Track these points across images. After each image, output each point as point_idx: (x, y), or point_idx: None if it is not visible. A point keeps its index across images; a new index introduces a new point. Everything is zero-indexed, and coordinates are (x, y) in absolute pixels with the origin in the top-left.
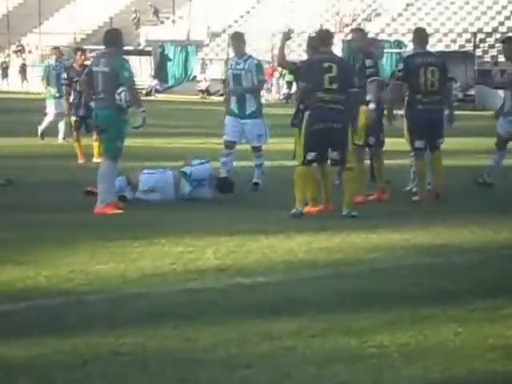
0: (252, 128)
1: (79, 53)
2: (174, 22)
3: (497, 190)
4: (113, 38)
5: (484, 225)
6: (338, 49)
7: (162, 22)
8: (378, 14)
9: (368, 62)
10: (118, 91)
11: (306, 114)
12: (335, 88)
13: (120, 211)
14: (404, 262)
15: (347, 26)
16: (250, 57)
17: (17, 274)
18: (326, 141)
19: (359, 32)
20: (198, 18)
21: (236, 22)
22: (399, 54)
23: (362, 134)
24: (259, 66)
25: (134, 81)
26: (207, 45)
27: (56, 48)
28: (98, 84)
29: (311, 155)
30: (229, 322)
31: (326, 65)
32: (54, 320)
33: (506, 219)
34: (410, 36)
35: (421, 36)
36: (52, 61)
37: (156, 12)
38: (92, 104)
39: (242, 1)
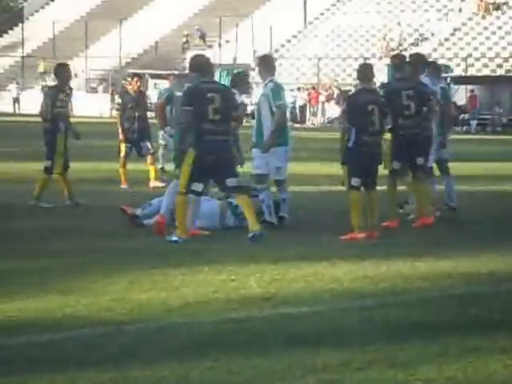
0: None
1: (136, 78)
2: (220, 45)
3: None
4: (198, 64)
5: None
6: (383, 73)
7: (210, 46)
8: (426, 39)
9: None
10: None
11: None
12: None
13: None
14: (451, 291)
15: (393, 50)
16: (271, 81)
17: (57, 302)
18: None
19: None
20: (244, 41)
21: (283, 46)
22: (445, 78)
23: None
24: (275, 90)
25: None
26: (253, 69)
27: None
28: (178, 108)
29: (357, 181)
30: (272, 354)
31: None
32: (92, 351)
33: None
34: (458, 60)
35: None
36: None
37: (203, 36)
38: (168, 129)
39: (289, 25)
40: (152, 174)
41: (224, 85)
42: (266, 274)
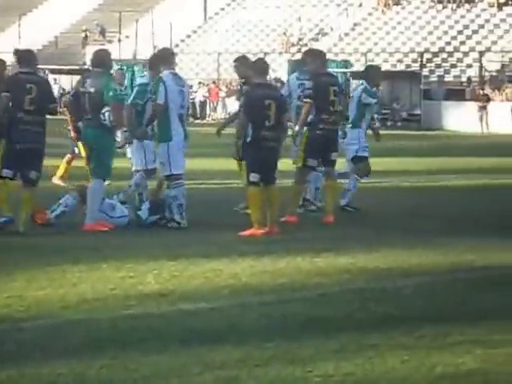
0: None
1: None
2: (120, 41)
3: (442, 212)
4: (100, 59)
5: (431, 248)
6: (283, 68)
7: (110, 42)
8: (325, 34)
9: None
10: (103, 111)
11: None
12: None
13: (107, 229)
14: (350, 286)
15: (293, 45)
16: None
17: None
18: None
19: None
20: (144, 37)
21: (183, 41)
22: (345, 73)
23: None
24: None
25: (120, 100)
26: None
27: None
28: (84, 104)
29: (255, 177)
30: (170, 351)
31: None
32: None
33: (453, 242)
34: (358, 56)
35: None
36: None
37: (103, 31)
38: (80, 124)
39: (189, 20)
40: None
41: (41, 76)
42: (164, 270)
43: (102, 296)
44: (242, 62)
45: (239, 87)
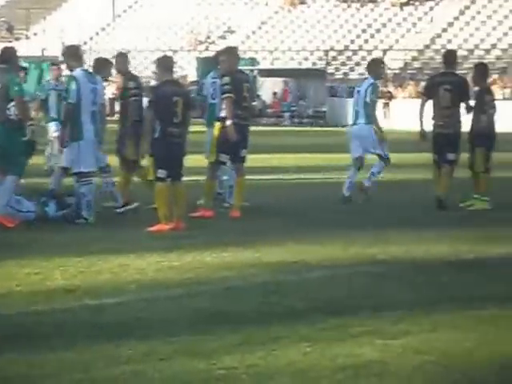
0: None
1: None
2: (28, 38)
3: (346, 206)
4: (7, 55)
5: (334, 241)
6: (192, 66)
7: (17, 39)
8: (233, 32)
9: (224, 80)
10: (9, 106)
11: None
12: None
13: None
14: (255, 279)
15: (201, 43)
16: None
17: None
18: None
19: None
20: (53, 34)
21: (91, 39)
22: (252, 71)
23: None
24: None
25: (24, 95)
26: (62, 62)
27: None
28: None
29: (162, 173)
30: (76, 346)
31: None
32: None
33: (355, 235)
34: (264, 54)
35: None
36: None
37: (10, 28)
38: None
39: (97, 18)
40: None
41: None
42: (71, 266)
43: (7, 292)
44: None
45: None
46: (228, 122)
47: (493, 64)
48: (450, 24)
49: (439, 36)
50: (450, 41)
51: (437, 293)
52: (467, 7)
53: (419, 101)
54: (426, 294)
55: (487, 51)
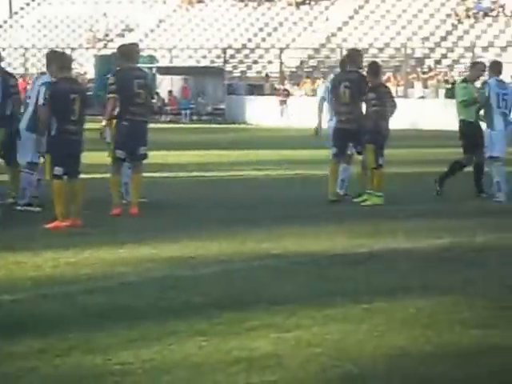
0: None
1: None
2: None
3: (242, 202)
4: None
5: (230, 237)
6: (90, 63)
7: None
8: (131, 30)
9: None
10: None
11: None
12: None
13: None
14: (152, 275)
15: (100, 41)
16: None
17: None
18: None
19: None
20: None
21: None
22: (151, 68)
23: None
24: None
25: None
26: None
27: None
28: None
29: (59, 170)
30: None
31: None
32: None
33: (251, 231)
34: (163, 51)
35: None
36: None
37: None
38: None
39: None
40: None
41: None
42: None
43: None
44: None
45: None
46: (103, 122)
47: (386, 62)
48: (345, 23)
49: (334, 35)
50: (345, 40)
51: (329, 286)
52: (361, 7)
53: (313, 98)
54: (318, 287)
55: (381, 50)
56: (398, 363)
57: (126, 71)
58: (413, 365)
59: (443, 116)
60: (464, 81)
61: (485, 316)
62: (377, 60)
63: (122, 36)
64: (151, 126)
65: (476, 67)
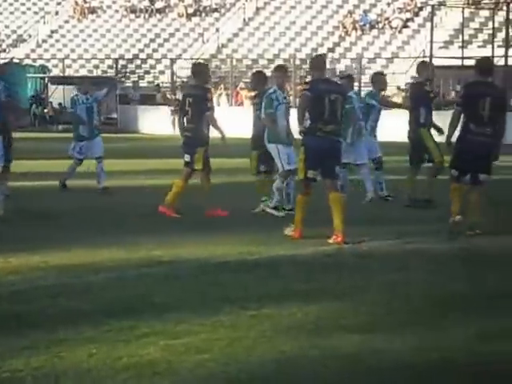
0: None
1: None
2: None
3: (134, 210)
4: None
5: (121, 244)
6: None
7: None
8: (24, 40)
9: None
10: None
11: None
12: None
13: None
14: (41, 283)
15: None
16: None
17: None
18: None
19: None
20: None
21: None
22: (43, 78)
23: None
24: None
25: None
26: None
27: None
28: None
29: None
30: None
31: None
32: None
33: (142, 239)
34: (55, 61)
35: None
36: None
37: None
38: None
39: None
40: None
41: None
42: None
43: None
44: None
45: None
46: None
47: None
48: (236, 34)
49: (225, 46)
50: (235, 50)
51: (218, 293)
52: (251, 18)
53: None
54: (208, 294)
55: (270, 61)
56: (285, 368)
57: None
58: (299, 369)
59: None
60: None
61: (368, 321)
62: (264, 71)
63: (15, 46)
64: (46, 135)
65: (380, 79)
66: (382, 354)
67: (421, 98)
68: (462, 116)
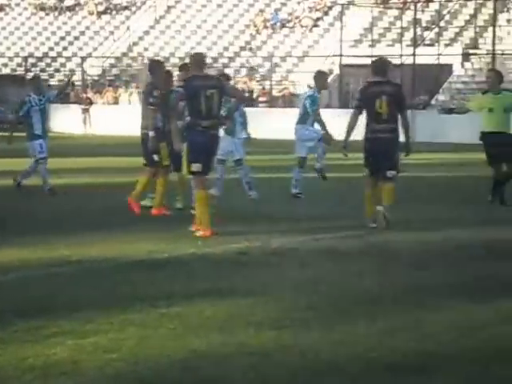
0: None
1: None
2: None
3: (44, 210)
4: None
5: (30, 243)
6: None
7: None
8: None
9: None
10: None
11: None
12: None
13: None
14: None
15: None
16: None
17: None
18: None
19: None
20: None
21: None
22: None
23: None
24: None
25: None
26: None
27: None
28: None
29: None
30: None
31: None
32: None
33: (52, 238)
34: None
35: None
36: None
37: None
38: None
39: None
40: None
41: None
42: None
43: None
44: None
45: None
46: None
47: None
48: (146, 32)
49: (136, 44)
50: (146, 49)
51: (128, 291)
52: (162, 17)
53: (116, 106)
54: (118, 292)
55: (182, 59)
56: (193, 366)
57: None
58: (207, 367)
59: None
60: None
61: (279, 318)
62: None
63: None
64: None
65: (322, 77)
66: (290, 350)
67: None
68: (365, 117)
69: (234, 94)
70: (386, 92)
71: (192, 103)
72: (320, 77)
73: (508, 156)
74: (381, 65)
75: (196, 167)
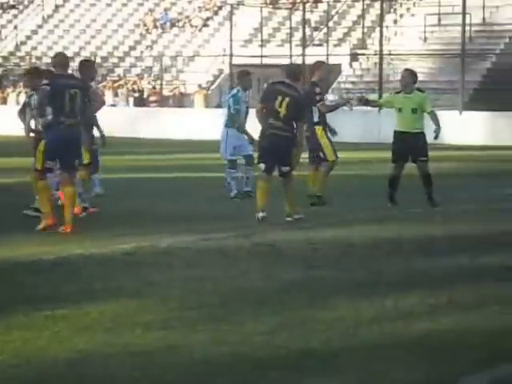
0: None
1: None
2: None
3: None
4: None
5: None
6: None
7: None
8: None
9: None
10: None
11: None
12: None
13: None
14: None
15: None
16: None
17: None
18: None
19: None
20: None
21: None
22: None
23: None
24: None
25: None
26: None
27: None
28: None
29: None
30: None
31: None
32: None
33: None
34: None
35: None
36: None
37: None
38: None
39: None
40: None
41: None
42: None
43: None
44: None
45: None
46: None
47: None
48: (34, 32)
49: (24, 43)
50: (34, 48)
51: (11, 294)
52: (50, 16)
53: (4, 107)
54: (1, 295)
55: (71, 58)
56: (77, 366)
57: None
58: (91, 367)
59: (134, 123)
60: None
61: (166, 318)
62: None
63: None
64: None
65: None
66: (177, 350)
67: (311, 99)
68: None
69: (95, 99)
70: (290, 94)
71: (56, 101)
72: (243, 76)
73: (413, 154)
74: (293, 69)
75: (49, 164)
